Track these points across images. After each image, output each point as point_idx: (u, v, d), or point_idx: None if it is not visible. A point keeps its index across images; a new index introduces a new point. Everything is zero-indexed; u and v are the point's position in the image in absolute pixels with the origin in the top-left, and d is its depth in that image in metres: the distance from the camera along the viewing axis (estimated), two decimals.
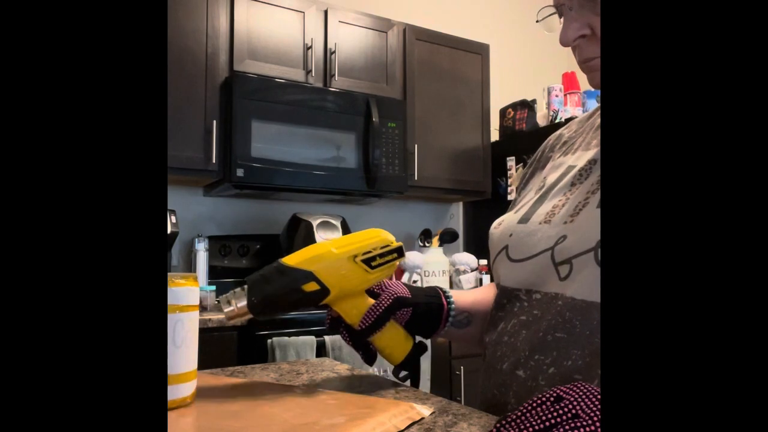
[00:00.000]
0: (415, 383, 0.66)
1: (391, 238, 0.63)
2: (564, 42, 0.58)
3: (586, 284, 0.53)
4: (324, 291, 0.59)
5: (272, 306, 0.59)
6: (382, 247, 0.62)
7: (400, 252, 0.63)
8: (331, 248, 0.60)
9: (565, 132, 0.74)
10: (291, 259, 0.59)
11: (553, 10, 0.62)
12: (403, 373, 0.65)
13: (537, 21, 0.64)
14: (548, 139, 0.77)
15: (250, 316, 0.59)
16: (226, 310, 0.59)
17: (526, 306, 0.60)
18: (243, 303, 0.58)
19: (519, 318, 0.60)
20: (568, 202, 0.60)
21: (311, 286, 0.58)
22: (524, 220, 0.64)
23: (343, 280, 0.59)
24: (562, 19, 0.59)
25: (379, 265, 0.61)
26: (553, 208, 0.61)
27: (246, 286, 0.59)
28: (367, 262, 0.60)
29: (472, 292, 0.73)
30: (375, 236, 0.62)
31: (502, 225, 0.68)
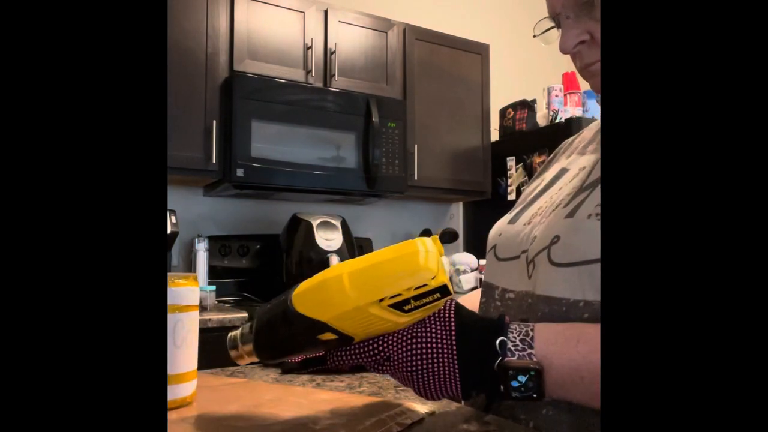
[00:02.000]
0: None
1: (431, 270, 0.45)
2: (564, 50, 0.59)
3: (541, 281, 0.55)
4: (345, 338, 0.48)
5: (282, 352, 0.51)
6: (418, 288, 0.45)
7: (444, 292, 0.46)
8: (348, 289, 0.46)
9: (582, 133, 0.75)
10: (301, 302, 0.48)
11: (551, 24, 0.62)
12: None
13: (534, 36, 0.65)
14: (567, 140, 0.78)
15: (257, 359, 0.52)
16: (233, 354, 0.52)
17: (499, 305, 0.62)
18: (249, 347, 0.51)
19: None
20: (554, 202, 0.62)
21: (327, 336, 0.47)
22: (513, 220, 0.66)
23: (368, 328, 0.47)
24: (560, 30, 0.60)
25: (415, 308, 0.46)
26: (538, 209, 0.63)
27: (252, 327, 0.51)
28: (398, 306, 0.46)
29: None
30: (410, 271, 0.45)
31: (497, 224, 0.70)
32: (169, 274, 0.53)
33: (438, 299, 0.46)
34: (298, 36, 2.23)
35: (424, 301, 0.46)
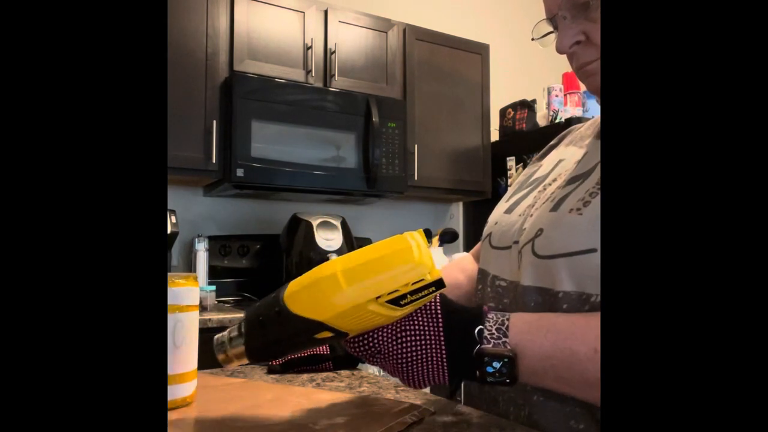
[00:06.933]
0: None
1: (426, 266, 0.47)
2: (561, 50, 0.60)
3: (525, 271, 0.58)
4: (341, 334, 0.48)
5: (276, 352, 0.51)
6: (415, 283, 0.46)
7: (438, 285, 0.47)
8: (345, 286, 0.46)
9: (586, 124, 0.75)
10: (295, 302, 0.48)
11: (549, 27, 0.63)
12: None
13: (533, 39, 0.66)
14: (575, 125, 0.79)
15: (247, 361, 0.51)
16: (221, 358, 0.51)
17: (489, 293, 0.64)
18: (240, 350, 0.50)
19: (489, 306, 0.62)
20: (546, 195, 0.63)
21: (324, 334, 0.48)
22: (509, 210, 0.68)
23: (363, 323, 0.48)
24: (557, 31, 0.61)
25: (411, 302, 0.47)
26: (534, 200, 0.64)
27: (242, 329, 0.50)
28: (395, 301, 0.47)
29: None
30: (406, 267, 0.46)
31: (495, 212, 0.72)
32: (169, 274, 0.53)
33: (432, 292, 0.47)
34: (298, 36, 2.23)
35: (420, 295, 0.47)
